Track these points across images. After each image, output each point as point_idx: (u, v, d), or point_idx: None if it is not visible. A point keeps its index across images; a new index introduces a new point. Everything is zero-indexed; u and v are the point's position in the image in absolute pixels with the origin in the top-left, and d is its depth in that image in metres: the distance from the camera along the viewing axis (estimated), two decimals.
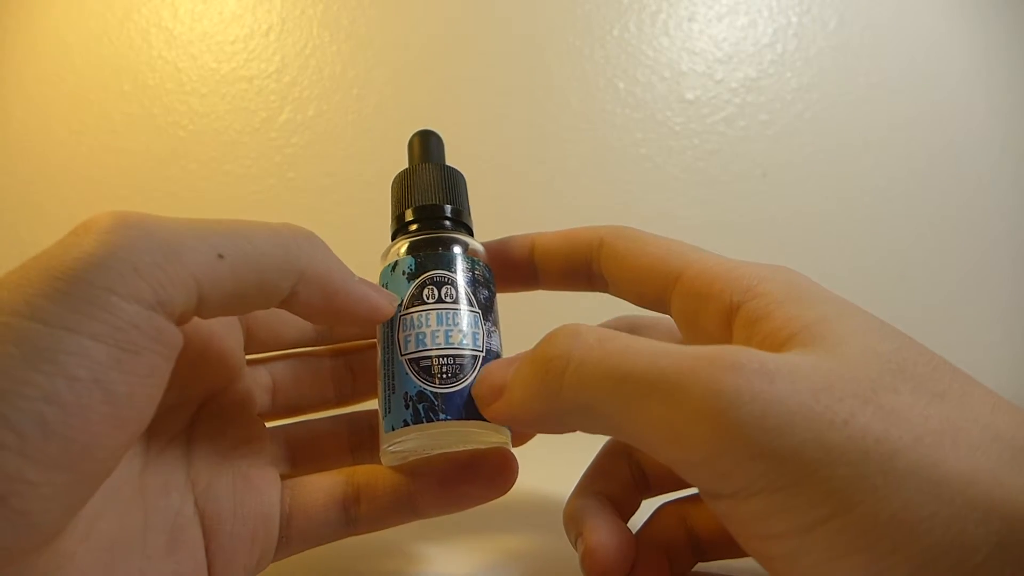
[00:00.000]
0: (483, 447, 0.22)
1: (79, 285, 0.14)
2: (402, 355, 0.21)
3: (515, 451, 0.23)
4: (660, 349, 0.16)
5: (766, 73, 0.62)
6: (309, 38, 0.60)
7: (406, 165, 0.26)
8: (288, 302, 0.19)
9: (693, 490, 0.23)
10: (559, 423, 0.18)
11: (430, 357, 0.21)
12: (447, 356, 0.21)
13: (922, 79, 0.63)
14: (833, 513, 0.13)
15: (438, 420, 0.20)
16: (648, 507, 0.24)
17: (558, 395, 0.17)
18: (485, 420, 0.21)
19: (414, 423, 0.20)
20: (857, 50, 0.63)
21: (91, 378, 0.14)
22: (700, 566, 0.23)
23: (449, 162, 0.27)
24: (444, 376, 0.21)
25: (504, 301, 0.26)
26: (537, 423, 0.19)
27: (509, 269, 0.25)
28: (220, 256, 0.17)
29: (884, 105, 0.62)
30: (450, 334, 0.21)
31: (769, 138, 0.61)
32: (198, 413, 0.22)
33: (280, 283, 0.18)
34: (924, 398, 0.14)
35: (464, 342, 0.21)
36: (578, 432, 0.29)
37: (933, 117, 0.63)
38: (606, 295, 0.24)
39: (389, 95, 0.59)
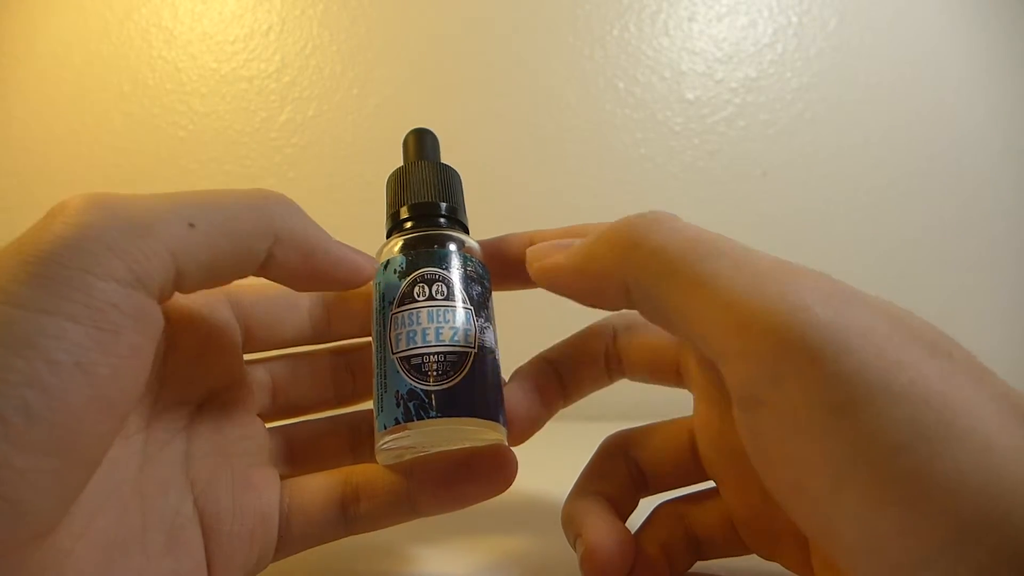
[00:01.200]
0: (477, 445, 0.22)
1: (52, 267, 0.14)
2: (393, 353, 0.21)
3: (513, 451, 0.23)
4: (747, 246, 0.16)
5: (766, 73, 0.62)
6: (309, 38, 0.60)
7: (401, 163, 0.26)
8: (266, 267, 0.19)
9: (691, 488, 0.23)
10: (616, 286, 0.18)
11: (421, 355, 0.21)
12: (438, 353, 0.21)
13: (922, 79, 0.63)
14: (883, 452, 0.12)
15: (428, 418, 0.20)
16: (647, 506, 0.24)
17: (634, 253, 0.17)
18: (476, 417, 0.20)
19: (405, 421, 0.20)
20: (857, 50, 0.63)
21: (72, 361, 0.14)
22: (699, 565, 0.23)
23: (448, 161, 0.27)
24: (435, 374, 0.21)
25: (502, 299, 0.26)
26: (593, 278, 0.19)
27: (507, 267, 0.25)
28: (191, 225, 0.16)
29: (884, 105, 0.62)
30: (441, 331, 0.21)
31: (769, 138, 0.61)
32: (197, 412, 0.21)
33: (255, 246, 0.18)
34: (975, 371, 0.14)
35: (455, 339, 0.21)
36: (576, 433, 0.29)
37: (933, 116, 0.63)
38: None
39: (389, 95, 0.59)
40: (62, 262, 0.14)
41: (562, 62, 0.61)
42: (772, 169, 0.61)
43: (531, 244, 0.25)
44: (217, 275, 0.18)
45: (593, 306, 0.21)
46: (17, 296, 0.14)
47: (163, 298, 0.16)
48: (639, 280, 0.17)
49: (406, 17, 0.61)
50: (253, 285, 0.23)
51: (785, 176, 0.61)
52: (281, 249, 0.19)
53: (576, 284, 0.20)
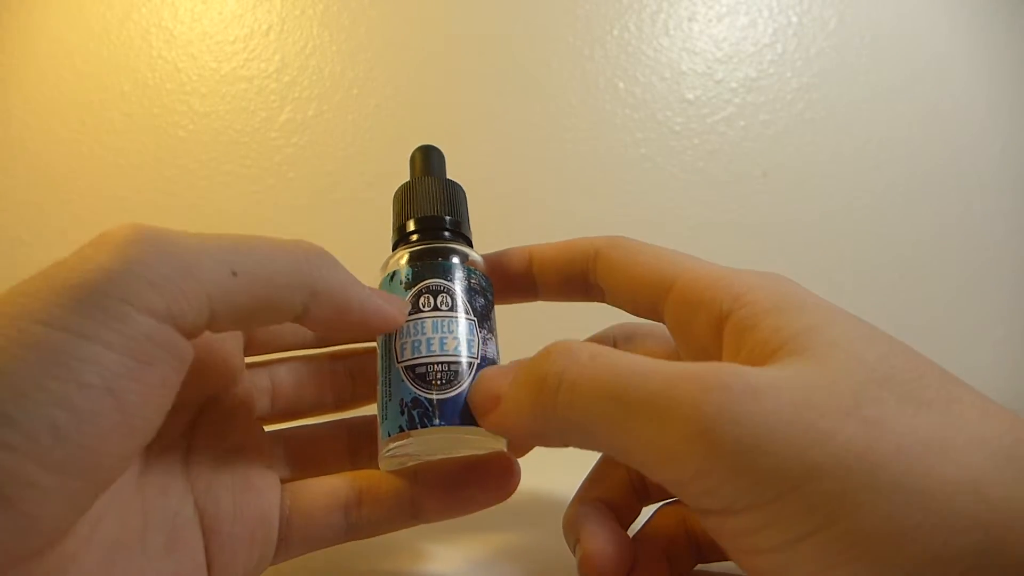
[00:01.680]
0: (479, 453, 0.22)
1: (95, 295, 0.15)
2: (399, 362, 0.22)
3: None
4: (650, 368, 0.16)
5: (766, 73, 0.62)
6: (309, 38, 0.60)
7: (407, 177, 0.27)
8: (301, 319, 0.20)
9: None
10: (556, 439, 0.18)
11: (425, 364, 0.21)
12: (442, 363, 0.21)
13: (922, 79, 0.63)
14: (818, 527, 0.13)
15: (432, 426, 0.20)
16: (648, 514, 0.24)
17: (552, 413, 0.17)
18: (479, 426, 0.21)
19: (409, 429, 0.21)
20: (857, 50, 0.63)
21: (103, 386, 0.14)
22: (700, 567, 0.23)
23: (448, 161, 0.27)
24: (439, 383, 0.21)
25: (506, 310, 0.26)
26: (533, 438, 0.20)
27: (508, 281, 0.25)
28: (234, 273, 0.17)
29: (884, 105, 0.62)
30: (445, 341, 0.21)
31: (769, 138, 0.61)
32: (198, 415, 0.22)
33: (292, 300, 0.19)
34: (910, 408, 0.14)
35: (459, 349, 0.21)
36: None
37: (933, 116, 0.63)
38: (605, 305, 0.24)
39: (389, 95, 0.59)
40: (105, 291, 0.15)
41: (562, 62, 0.61)
42: (772, 169, 0.61)
43: (529, 258, 0.25)
44: (250, 322, 0.19)
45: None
46: (59, 319, 0.14)
47: (192, 335, 0.17)
48: (568, 439, 0.18)
49: (406, 17, 0.61)
50: None
51: (785, 176, 0.61)
52: (317, 305, 0.19)
53: (522, 442, 0.23)
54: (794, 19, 0.63)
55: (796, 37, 0.63)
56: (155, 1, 0.60)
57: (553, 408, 0.17)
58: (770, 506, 0.14)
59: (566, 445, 0.18)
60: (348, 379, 0.26)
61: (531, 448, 0.25)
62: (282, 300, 0.18)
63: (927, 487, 0.13)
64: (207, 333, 0.21)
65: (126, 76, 0.59)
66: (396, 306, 0.22)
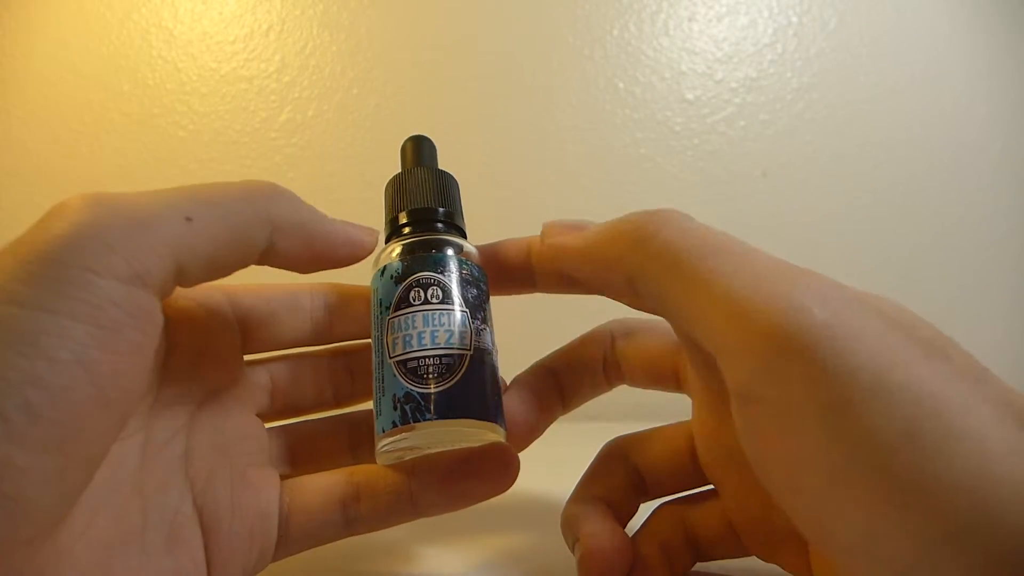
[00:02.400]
0: (474, 445, 0.22)
1: (53, 266, 0.14)
2: (390, 357, 0.21)
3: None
4: (754, 247, 0.17)
5: (766, 73, 0.62)
6: (309, 38, 0.60)
7: (399, 169, 0.26)
8: (268, 255, 0.19)
9: (692, 491, 0.23)
10: (623, 275, 0.18)
11: (417, 358, 0.21)
12: (434, 356, 0.21)
13: (922, 78, 0.63)
14: (876, 452, 0.12)
15: (425, 420, 0.20)
16: (646, 511, 0.24)
17: (643, 245, 0.17)
18: (474, 419, 0.21)
19: (402, 424, 0.20)
20: (857, 50, 0.63)
21: (73, 359, 0.14)
22: (699, 566, 0.23)
23: (449, 161, 0.27)
24: (431, 376, 0.21)
25: (501, 304, 0.26)
26: (602, 263, 0.19)
27: (505, 272, 0.25)
28: (189, 219, 0.17)
29: (884, 104, 0.63)
30: (436, 334, 0.21)
31: (769, 138, 0.61)
32: (196, 412, 0.22)
33: (254, 236, 0.18)
34: (972, 372, 0.14)
35: (451, 341, 0.21)
36: (577, 433, 0.29)
37: (934, 116, 0.63)
38: (604, 297, 0.24)
39: (389, 95, 0.59)
40: (62, 260, 0.14)
41: (562, 62, 0.61)
42: (772, 169, 0.61)
43: (528, 250, 0.25)
44: (217, 267, 0.18)
45: (597, 292, 0.21)
46: (18, 295, 0.14)
47: (164, 294, 0.16)
48: (645, 273, 0.18)
49: (406, 17, 0.61)
50: (253, 285, 0.23)
51: (785, 176, 0.61)
52: (281, 237, 0.19)
53: (583, 268, 0.21)
54: (794, 19, 0.63)
55: (796, 37, 0.63)
56: (155, 1, 0.60)
57: (648, 241, 0.17)
58: (832, 410, 0.13)
59: (624, 288, 0.18)
60: (348, 375, 0.26)
61: (528, 444, 0.25)
62: (244, 238, 0.18)
63: (988, 448, 0.12)
64: (204, 330, 0.21)
65: (126, 76, 0.59)
66: (364, 230, 0.22)
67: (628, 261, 0.18)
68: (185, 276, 0.17)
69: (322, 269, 0.22)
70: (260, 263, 0.19)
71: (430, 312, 0.21)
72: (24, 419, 0.13)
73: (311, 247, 0.20)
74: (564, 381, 0.25)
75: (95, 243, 0.15)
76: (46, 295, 0.14)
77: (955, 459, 0.12)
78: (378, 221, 0.26)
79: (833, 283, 0.15)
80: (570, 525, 0.23)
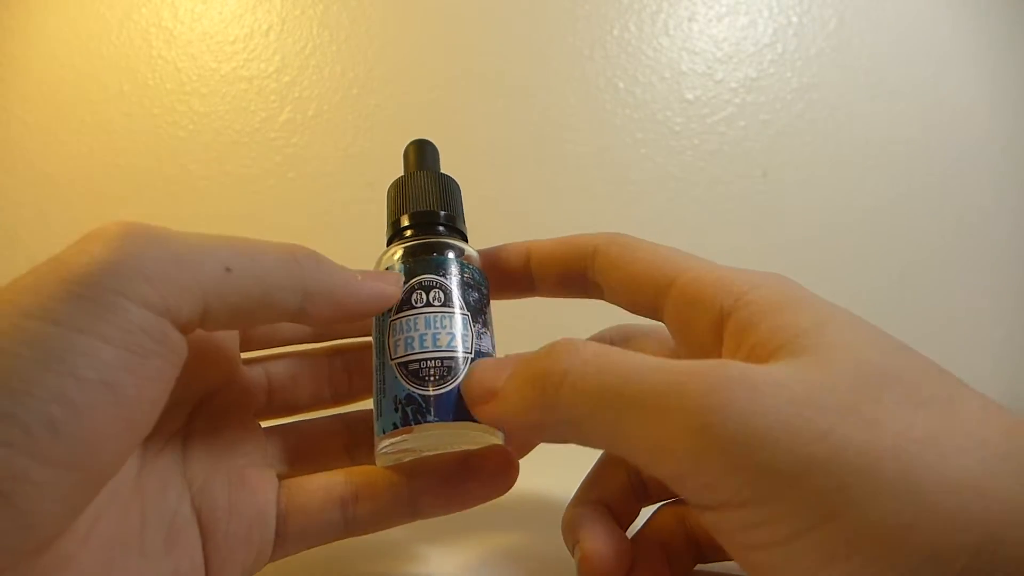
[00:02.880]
0: (474, 447, 0.22)
1: (90, 288, 0.15)
2: (392, 359, 0.22)
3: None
4: (652, 365, 0.16)
5: (766, 73, 0.62)
6: (309, 38, 0.60)
7: (402, 173, 0.26)
8: (298, 317, 0.20)
9: None
10: (552, 433, 0.18)
11: (418, 360, 0.21)
12: (435, 359, 0.21)
13: (923, 78, 0.63)
14: (815, 523, 0.13)
15: (426, 422, 0.20)
16: (647, 515, 0.24)
17: (554, 407, 0.17)
18: (475, 421, 0.21)
19: (403, 426, 0.21)
20: (857, 50, 0.63)
21: (100, 379, 0.14)
22: (699, 567, 0.23)
23: (448, 161, 0.27)
24: (432, 378, 0.21)
25: (503, 306, 0.26)
26: (527, 431, 0.20)
27: (505, 276, 0.25)
28: (228, 269, 0.17)
29: (884, 105, 0.62)
30: (438, 337, 0.21)
31: (769, 138, 0.61)
32: (194, 412, 0.22)
33: (285, 299, 0.19)
34: (908, 407, 0.14)
35: (452, 344, 0.21)
36: None
37: (934, 116, 0.63)
38: (603, 302, 0.24)
39: (389, 95, 0.59)
40: (100, 284, 0.15)
41: (562, 62, 0.61)
42: (772, 169, 0.61)
43: (527, 254, 0.25)
44: (241, 320, 0.19)
45: None
46: (54, 312, 0.14)
47: (187, 331, 0.17)
48: (569, 434, 0.18)
49: (406, 17, 0.61)
50: None
51: (785, 176, 0.61)
52: (311, 303, 0.19)
53: (518, 434, 0.23)
54: (794, 19, 0.63)
55: (796, 37, 0.63)
56: (155, 1, 0.60)
57: (555, 404, 0.17)
58: (768, 502, 0.14)
59: (564, 441, 0.18)
60: (345, 374, 0.26)
61: (532, 447, 0.25)
62: (275, 299, 0.19)
63: (925, 484, 0.13)
64: (203, 333, 0.21)
65: (126, 76, 0.59)
66: (390, 280, 0.22)
67: (549, 428, 0.18)
68: (209, 320, 0.17)
69: (352, 328, 0.23)
70: (293, 321, 0.20)
71: (432, 315, 0.22)
72: (47, 434, 0.13)
73: (340, 310, 0.20)
74: None
75: (133, 272, 0.15)
76: (79, 315, 0.14)
77: (888, 508, 0.13)
78: (378, 221, 0.26)
79: (738, 375, 0.15)
80: (570, 528, 0.23)
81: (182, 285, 0.16)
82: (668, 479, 0.16)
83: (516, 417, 0.19)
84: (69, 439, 0.14)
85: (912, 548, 0.12)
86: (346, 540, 0.22)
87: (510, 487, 0.22)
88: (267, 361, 0.25)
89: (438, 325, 0.21)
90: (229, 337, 0.23)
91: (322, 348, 0.26)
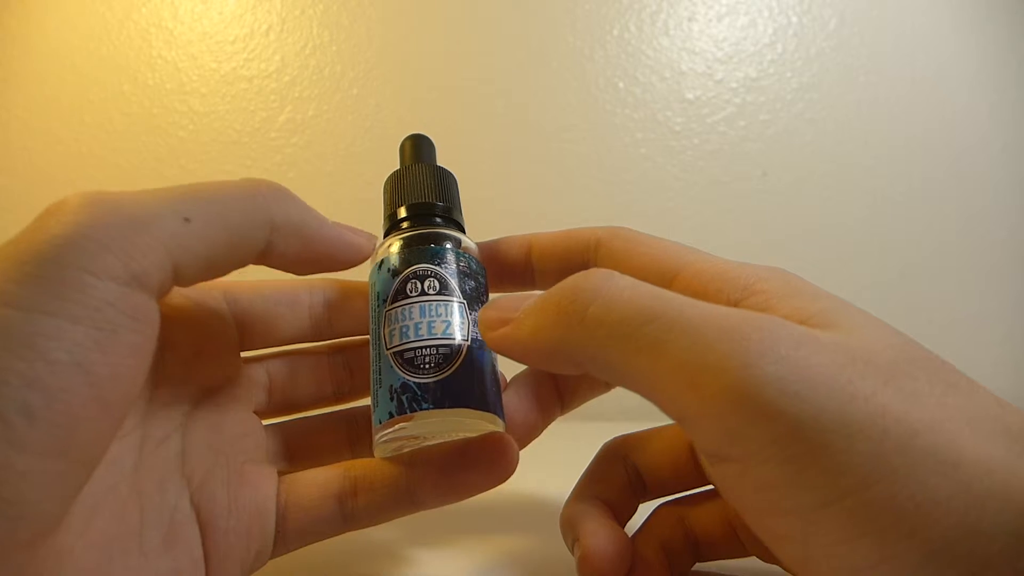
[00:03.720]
0: (472, 435, 0.22)
1: (50, 267, 0.14)
2: (387, 349, 0.21)
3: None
4: (692, 301, 0.15)
5: (766, 73, 0.62)
6: (309, 38, 0.60)
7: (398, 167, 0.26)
8: (265, 255, 0.19)
9: (691, 491, 0.23)
10: (566, 360, 0.18)
11: (413, 349, 0.21)
12: (430, 346, 0.21)
13: (923, 78, 0.63)
14: (848, 491, 0.13)
15: (421, 410, 0.20)
16: (645, 511, 0.24)
17: (576, 328, 0.16)
18: (472, 408, 0.20)
19: (399, 414, 0.20)
20: (857, 50, 0.63)
21: (71, 361, 0.14)
22: (699, 566, 0.23)
23: (449, 160, 0.27)
24: (427, 366, 0.21)
25: None
26: (542, 354, 0.18)
27: (505, 269, 0.25)
28: (186, 219, 0.16)
29: (884, 104, 0.62)
30: (433, 325, 0.21)
31: (769, 138, 0.61)
32: (193, 410, 0.21)
33: (252, 236, 0.18)
34: (940, 386, 0.14)
35: (448, 332, 0.21)
36: (577, 432, 0.29)
37: (934, 116, 0.63)
38: None
39: (389, 95, 0.59)
40: (59, 261, 0.14)
41: (562, 62, 0.61)
42: (772, 169, 0.61)
43: (528, 247, 0.25)
44: (215, 267, 0.18)
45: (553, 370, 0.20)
46: (15, 297, 0.14)
47: (161, 294, 0.16)
48: (588, 356, 0.17)
49: (406, 17, 0.61)
50: (250, 283, 0.23)
51: (785, 176, 0.61)
52: (279, 237, 0.19)
53: (529, 359, 0.20)
54: (794, 19, 0.63)
55: (796, 37, 0.63)
56: (155, 1, 0.60)
57: (580, 322, 0.16)
58: (799, 461, 0.13)
59: (578, 370, 0.17)
60: (347, 372, 0.26)
61: (533, 438, 0.25)
62: (242, 239, 0.18)
63: (963, 461, 0.12)
64: (201, 327, 0.21)
65: (126, 76, 0.59)
66: (363, 235, 0.22)
67: (567, 348, 0.17)
68: (182, 276, 0.17)
69: (319, 272, 0.22)
70: (257, 263, 0.19)
71: (427, 303, 0.22)
72: (24, 422, 0.13)
73: (309, 249, 0.20)
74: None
75: (92, 244, 0.15)
76: (43, 297, 0.14)
77: (926, 480, 0.12)
78: (378, 221, 0.26)
79: (780, 324, 0.15)
80: (569, 525, 0.23)
81: (142, 246, 0.15)
82: (691, 419, 0.15)
83: (534, 338, 0.18)
84: (46, 424, 0.13)
85: (949, 524, 0.12)
86: (345, 540, 0.22)
87: (510, 475, 0.22)
88: (267, 359, 0.25)
89: (433, 313, 0.21)
90: (228, 334, 0.23)
91: (323, 346, 0.26)
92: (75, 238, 0.15)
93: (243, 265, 0.19)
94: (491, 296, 0.25)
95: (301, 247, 0.20)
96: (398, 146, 0.27)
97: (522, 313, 0.19)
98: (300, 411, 0.25)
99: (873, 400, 0.13)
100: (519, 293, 0.20)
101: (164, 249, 0.16)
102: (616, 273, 0.17)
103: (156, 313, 0.16)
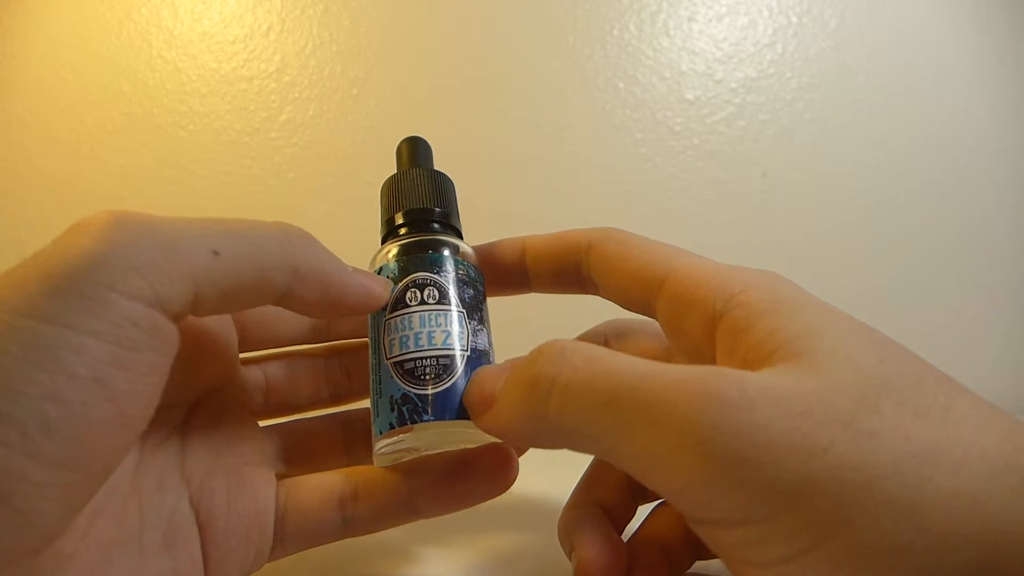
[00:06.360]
0: (471, 446, 0.22)
1: (79, 283, 0.14)
2: (387, 359, 0.21)
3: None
4: (644, 372, 0.16)
5: (766, 73, 0.62)
6: (309, 38, 0.60)
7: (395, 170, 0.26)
8: (285, 299, 0.19)
9: None
10: (548, 443, 0.18)
11: (413, 359, 0.21)
12: (430, 357, 0.21)
13: (922, 78, 0.63)
14: (812, 545, 0.13)
15: (422, 421, 0.20)
16: (645, 510, 0.24)
17: (544, 417, 0.17)
18: (471, 420, 0.21)
19: (399, 426, 0.20)
20: (857, 50, 0.63)
21: (92, 376, 0.14)
22: (698, 565, 0.23)
23: (448, 161, 0.27)
24: (428, 377, 0.21)
25: (500, 303, 0.26)
26: (525, 441, 0.19)
27: (500, 272, 0.25)
28: (216, 253, 0.17)
29: (885, 104, 0.62)
30: (433, 335, 0.21)
31: (769, 138, 0.61)
32: (192, 412, 0.22)
33: (275, 279, 0.18)
34: (906, 417, 0.14)
35: (448, 342, 0.21)
36: None
37: (934, 116, 0.63)
38: (599, 297, 0.24)
39: (389, 95, 0.59)
40: (88, 278, 0.14)
41: (562, 62, 0.61)
42: (772, 169, 0.61)
43: (523, 249, 0.25)
44: (233, 303, 0.18)
45: None
46: (43, 309, 0.14)
47: (179, 319, 0.17)
48: (563, 442, 0.18)
49: (406, 17, 0.61)
50: None
51: (785, 176, 0.61)
52: (299, 284, 0.19)
53: (518, 444, 0.22)
54: (794, 19, 0.63)
55: (796, 37, 0.63)
56: (155, 1, 0.60)
57: (544, 412, 0.17)
58: (766, 520, 0.13)
59: (559, 448, 0.18)
60: (343, 374, 0.26)
61: (523, 452, 0.25)
62: (265, 280, 0.18)
63: (922, 502, 0.13)
64: (201, 329, 0.21)
65: (126, 76, 0.59)
66: (380, 283, 0.22)
67: (545, 437, 0.18)
68: (201, 306, 0.17)
69: (333, 317, 0.22)
70: (275, 304, 0.19)
71: (427, 313, 0.21)
72: (41, 434, 0.13)
73: (327, 297, 0.20)
74: None
75: (123, 263, 0.15)
76: (69, 311, 0.14)
77: (885, 529, 0.13)
78: (378, 221, 0.26)
79: (732, 386, 0.15)
80: (566, 533, 0.23)
81: (171, 273, 0.16)
82: (664, 493, 0.16)
83: (510, 426, 0.19)
84: (64, 438, 0.13)
85: (911, 568, 0.12)
86: (346, 541, 0.22)
87: (510, 485, 0.22)
88: (265, 362, 0.25)
89: (433, 323, 0.21)
90: (227, 336, 0.23)
91: (320, 348, 0.26)
92: (108, 256, 0.15)
93: (259, 305, 0.19)
94: (490, 297, 0.25)
95: (320, 294, 0.20)
96: (399, 143, 0.27)
97: (498, 401, 0.19)
98: (297, 413, 0.25)
99: (830, 452, 0.13)
100: (498, 365, 0.21)
101: (191, 278, 0.16)
102: (568, 348, 0.17)
103: (176, 336, 0.17)
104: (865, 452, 0.13)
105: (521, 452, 0.24)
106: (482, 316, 0.23)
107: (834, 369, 0.15)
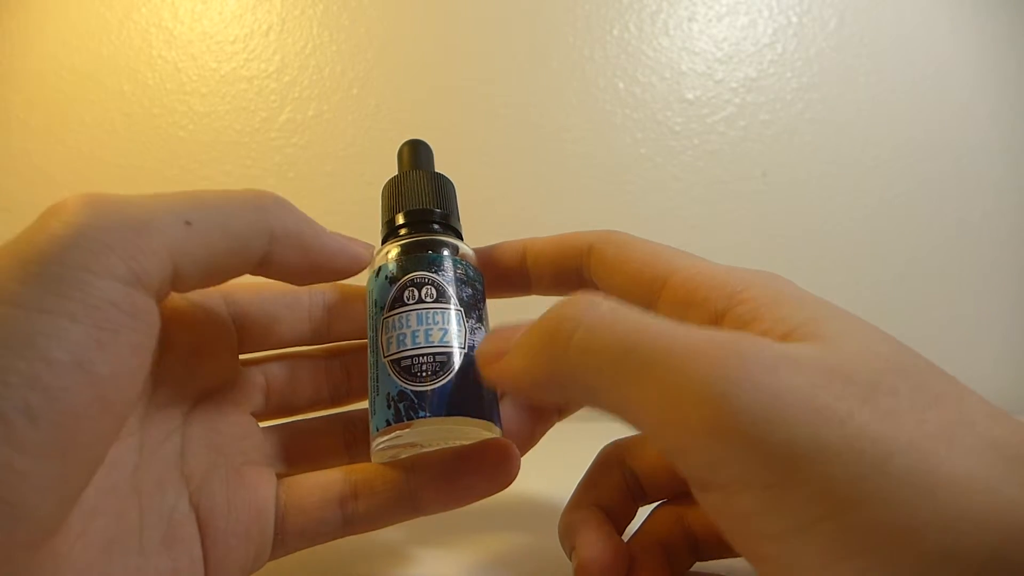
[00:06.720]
0: (468, 442, 0.22)
1: (52, 266, 0.14)
2: (384, 357, 0.21)
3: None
4: (671, 327, 0.15)
5: (766, 73, 0.62)
6: (309, 38, 0.60)
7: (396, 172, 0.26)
8: (265, 265, 0.19)
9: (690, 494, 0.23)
10: (558, 391, 0.18)
11: (410, 356, 0.21)
12: (427, 354, 0.21)
13: (923, 79, 0.63)
14: (828, 514, 0.13)
15: (419, 418, 0.20)
16: (645, 510, 0.24)
17: (562, 359, 0.17)
18: (468, 416, 0.21)
19: (396, 422, 0.20)
20: (857, 50, 0.63)
21: (72, 360, 0.14)
22: (698, 565, 0.23)
23: (448, 161, 0.27)
24: (424, 374, 0.21)
25: (499, 306, 0.26)
26: (535, 388, 0.19)
27: (501, 275, 0.25)
28: (188, 223, 0.17)
29: (884, 105, 0.62)
30: (430, 333, 0.21)
31: (769, 138, 0.61)
32: (192, 411, 0.21)
33: (252, 245, 0.18)
34: (922, 400, 0.14)
35: (445, 340, 0.21)
36: (580, 434, 0.29)
37: (934, 116, 0.63)
38: None
39: (389, 95, 0.59)
40: (61, 261, 0.14)
41: (562, 62, 0.61)
42: (772, 169, 0.61)
43: (523, 252, 0.25)
44: (214, 273, 0.18)
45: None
46: (16, 295, 0.14)
47: (160, 297, 0.16)
48: (576, 385, 0.17)
49: (406, 17, 0.61)
50: (250, 285, 0.23)
51: (785, 176, 0.61)
52: (278, 247, 0.19)
53: (524, 392, 0.21)
54: (794, 19, 0.63)
55: (796, 37, 0.63)
56: (155, 1, 0.60)
57: (564, 353, 0.16)
58: (779, 487, 0.13)
59: (565, 400, 0.18)
60: (344, 375, 0.26)
61: (534, 444, 0.25)
62: (241, 247, 0.18)
63: (938, 482, 0.12)
64: (200, 329, 0.21)
65: (126, 76, 0.59)
66: (361, 244, 0.22)
67: (557, 380, 0.18)
68: (181, 281, 0.17)
69: (317, 281, 0.22)
70: (256, 273, 0.19)
71: (424, 311, 0.22)
72: (24, 422, 0.13)
73: (307, 259, 0.20)
74: None
75: (94, 243, 0.15)
76: (44, 296, 0.14)
77: (902, 507, 0.12)
78: (377, 221, 0.26)
79: (755, 347, 0.15)
80: (567, 534, 0.23)
81: (145, 249, 0.15)
82: (673, 451, 0.15)
83: (524, 372, 0.18)
84: (48, 425, 0.13)
85: (925, 548, 0.12)
86: (346, 541, 0.22)
87: (511, 481, 0.22)
88: (265, 363, 0.25)
89: (430, 321, 0.21)
90: (226, 337, 0.23)
91: (321, 350, 0.26)
92: (78, 238, 0.15)
93: (241, 273, 0.19)
94: (488, 301, 0.25)
95: (300, 257, 0.20)
96: (398, 147, 0.27)
97: (513, 346, 0.19)
98: (297, 414, 0.25)
99: (849, 422, 0.13)
100: (513, 324, 0.21)
101: (166, 251, 0.16)
102: (598, 299, 0.17)
103: (156, 314, 0.16)
104: (884, 428, 0.13)
105: (525, 450, 0.24)
106: (480, 315, 0.23)
107: (851, 350, 0.15)
